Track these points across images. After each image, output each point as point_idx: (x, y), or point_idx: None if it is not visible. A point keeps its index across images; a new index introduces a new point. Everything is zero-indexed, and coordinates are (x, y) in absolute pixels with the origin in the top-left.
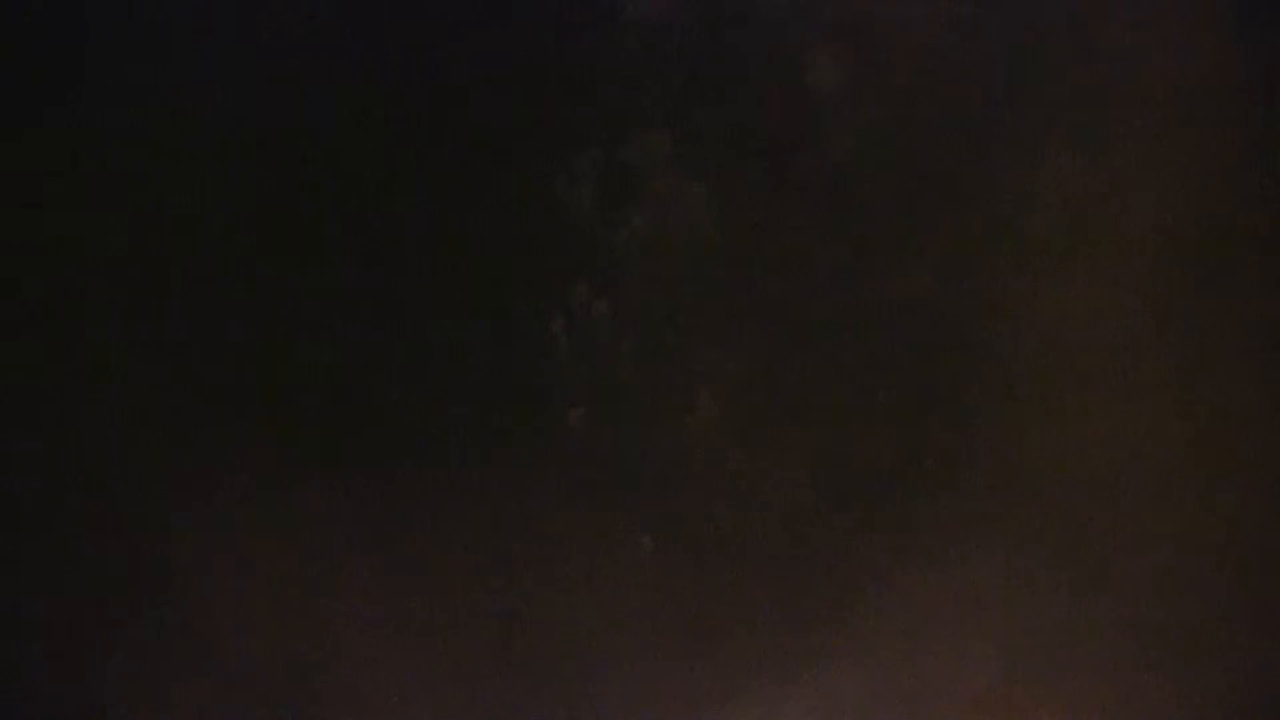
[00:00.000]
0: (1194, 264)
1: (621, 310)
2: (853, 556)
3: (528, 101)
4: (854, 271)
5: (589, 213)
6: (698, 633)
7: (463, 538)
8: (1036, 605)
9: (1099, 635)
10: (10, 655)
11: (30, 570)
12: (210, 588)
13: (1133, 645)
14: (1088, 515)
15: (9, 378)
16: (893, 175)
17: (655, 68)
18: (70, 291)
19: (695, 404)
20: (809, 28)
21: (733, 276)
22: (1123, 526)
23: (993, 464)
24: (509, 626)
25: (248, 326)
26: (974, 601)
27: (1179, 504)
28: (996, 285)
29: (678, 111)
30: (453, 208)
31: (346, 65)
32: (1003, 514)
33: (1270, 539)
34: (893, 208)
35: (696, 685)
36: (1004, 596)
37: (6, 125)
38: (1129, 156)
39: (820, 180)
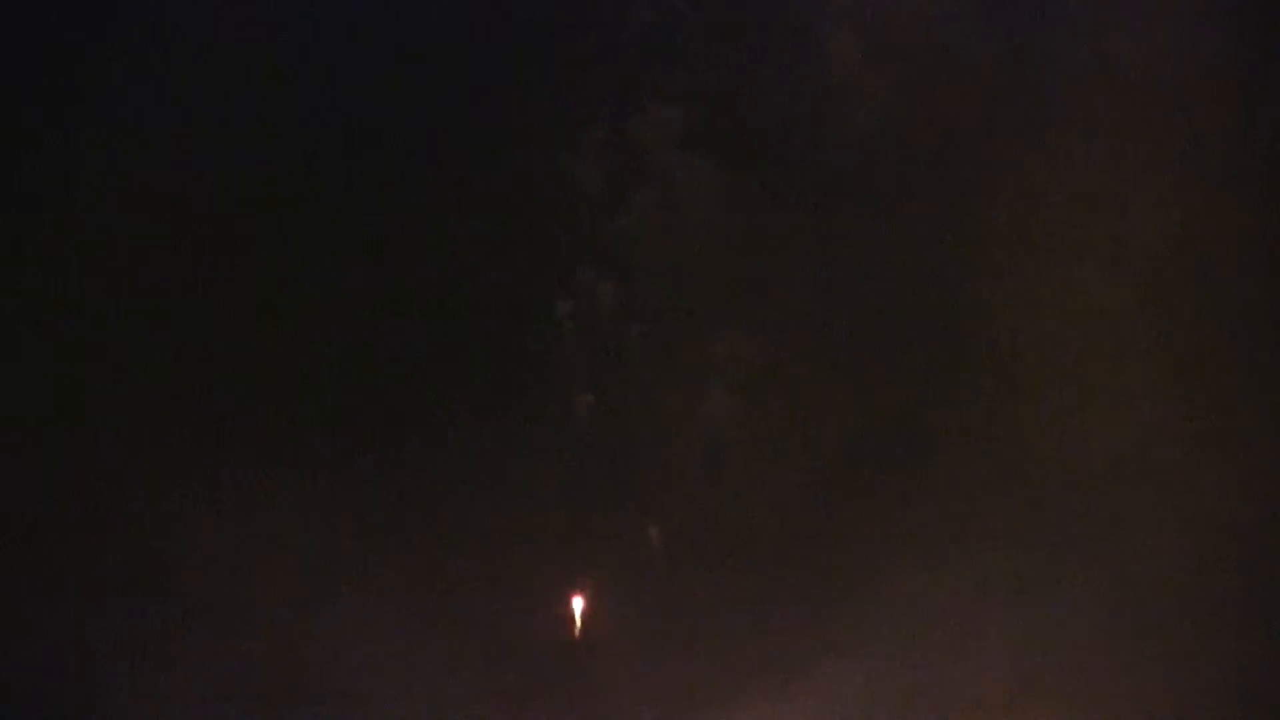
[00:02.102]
0: (1194, 264)
1: (629, 294)
2: (858, 554)
3: (534, 75)
4: (864, 258)
5: (595, 192)
6: (704, 627)
7: (466, 532)
8: (1038, 603)
9: (1100, 633)
10: (10, 655)
11: (30, 570)
12: (210, 588)
13: (1134, 643)
14: (1089, 514)
15: (9, 378)
16: (904, 158)
17: (667, 42)
18: (70, 292)
19: (705, 394)
20: (824, 7)
21: (742, 260)
22: (1123, 526)
23: (996, 463)
24: (513, 620)
25: (247, 325)
26: (978, 600)
27: (1180, 503)
28: (1002, 281)
29: (689, 87)
30: (454, 188)
31: (350, 44)
32: (1006, 513)
33: (1270, 539)
34: (905, 192)
35: (703, 681)
36: (1007, 595)
37: (6, 125)
38: (1130, 157)
39: (833, 160)
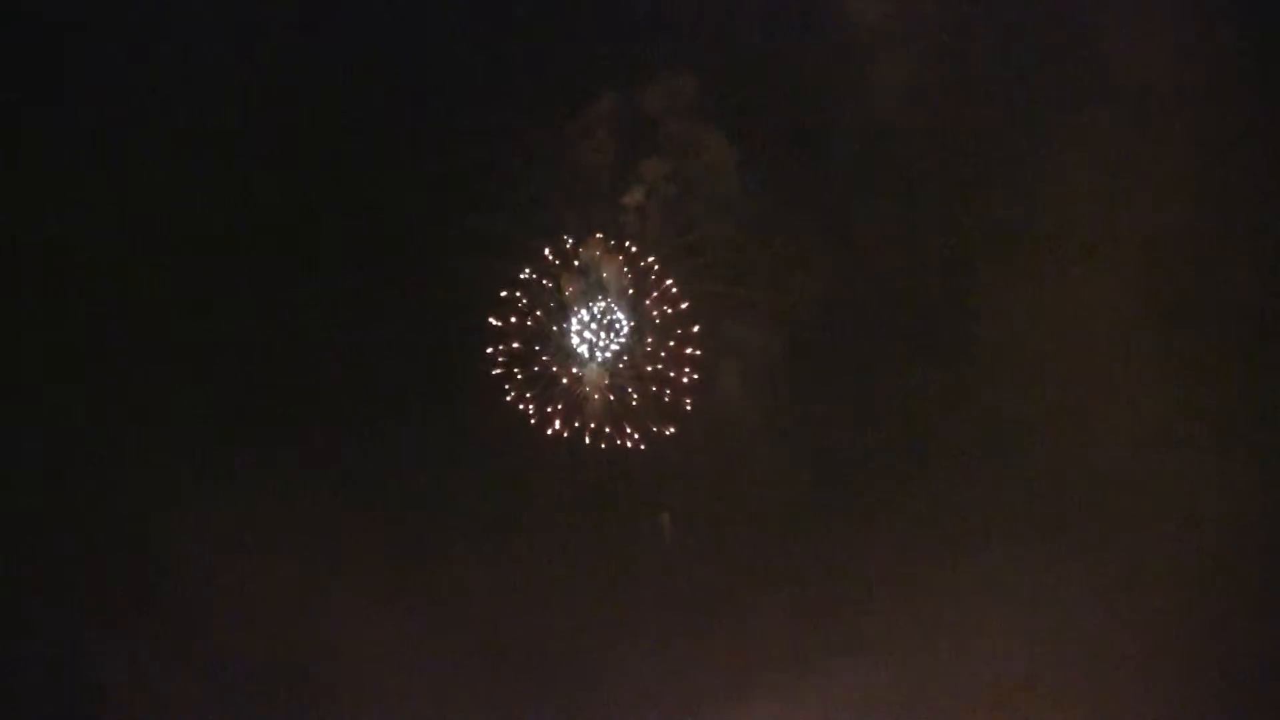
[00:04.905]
0: (1194, 264)
1: (638, 277)
2: (866, 551)
3: (540, 43)
4: (871, 245)
5: (603, 165)
6: (714, 623)
7: (472, 525)
8: (1041, 602)
9: (1102, 633)
10: (10, 655)
11: (30, 570)
12: (210, 588)
13: (1136, 641)
14: (1090, 514)
15: (9, 379)
16: (916, 142)
17: (677, 14)
18: (70, 294)
19: (717, 380)
20: None
21: (756, 239)
22: (1125, 525)
23: (999, 463)
24: (520, 614)
25: (246, 321)
26: (984, 598)
27: (1180, 502)
28: (1009, 279)
29: (701, 55)
30: (458, 168)
31: (354, 24)
32: (1012, 512)
33: (1270, 539)
34: (914, 179)
35: (712, 677)
36: (1011, 593)
37: (6, 125)
38: (1130, 158)
39: (844, 139)
